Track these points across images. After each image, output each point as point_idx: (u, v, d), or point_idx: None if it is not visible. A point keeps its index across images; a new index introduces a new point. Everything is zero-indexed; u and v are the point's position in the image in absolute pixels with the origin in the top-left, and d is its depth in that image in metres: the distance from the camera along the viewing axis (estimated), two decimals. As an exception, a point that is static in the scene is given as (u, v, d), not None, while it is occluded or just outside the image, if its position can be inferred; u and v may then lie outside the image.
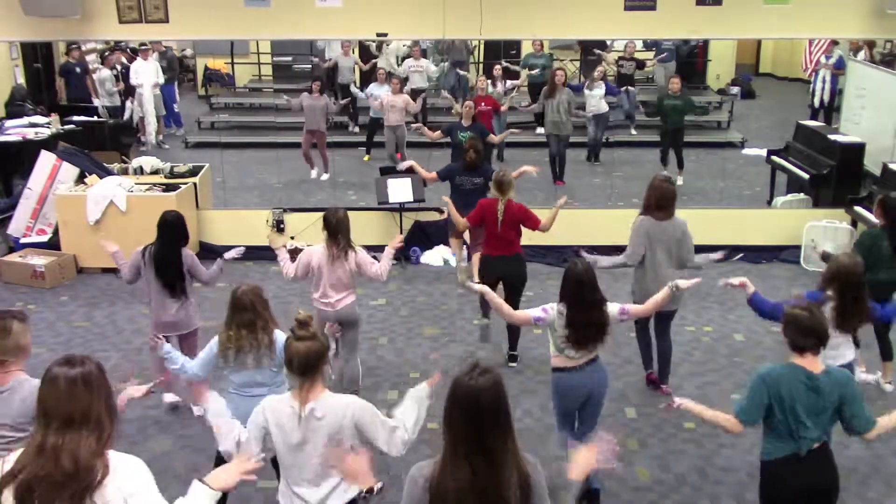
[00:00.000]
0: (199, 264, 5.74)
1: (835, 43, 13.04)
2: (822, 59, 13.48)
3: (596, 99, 12.07)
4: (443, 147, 10.14)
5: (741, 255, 8.90)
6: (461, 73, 14.08)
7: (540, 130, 13.55)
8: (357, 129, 13.79)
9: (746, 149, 13.08)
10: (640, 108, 13.47)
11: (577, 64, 15.79)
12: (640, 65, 14.06)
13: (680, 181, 11.29)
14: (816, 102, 13.24)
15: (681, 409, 3.89)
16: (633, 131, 13.74)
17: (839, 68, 12.69)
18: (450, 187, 7.98)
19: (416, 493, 2.72)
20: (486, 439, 2.64)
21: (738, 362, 6.67)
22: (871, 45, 12.24)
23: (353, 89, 12.87)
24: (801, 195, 9.62)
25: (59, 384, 2.64)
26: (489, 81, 12.28)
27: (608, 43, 14.25)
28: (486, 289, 4.77)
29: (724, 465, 5.27)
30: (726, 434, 3.87)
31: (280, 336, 4.39)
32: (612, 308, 4.68)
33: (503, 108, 11.75)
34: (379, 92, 11.97)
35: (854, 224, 8.51)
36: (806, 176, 9.46)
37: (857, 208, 8.46)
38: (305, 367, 3.28)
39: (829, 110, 12.94)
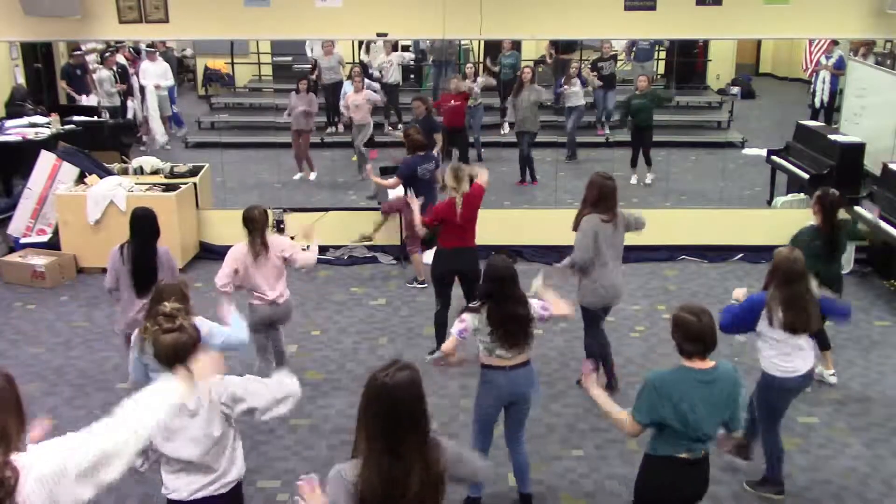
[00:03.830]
0: (174, 263, 5.72)
1: (835, 43, 13.04)
2: (823, 60, 13.48)
3: (575, 95, 12.35)
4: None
5: (741, 255, 8.92)
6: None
7: (505, 130, 13.59)
8: (334, 130, 13.72)
9: (746, 149, 13.10)
10: (612, 112, 13.51)
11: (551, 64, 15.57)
12: (615, 60, 14.16)
13: (649, 180, 11.36)
14: (817, 103, 13.24)
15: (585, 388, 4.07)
16: (607, 130, 13.61)
17: (839, 68, 12.68)
18: (407, 186, 7.88)
19: (342, 492, 2.72)
20: (399, 436, 2.65)
21: (738, 362, 6.66)
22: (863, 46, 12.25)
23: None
24: (801, 195, 9.61)
25: None
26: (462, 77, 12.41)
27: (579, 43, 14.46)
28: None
29: (725, 466, 5.26)
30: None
31: (201, 324, 4.40)
32: (535, 304, 4.62)
33: (473, 102, 11.90)
34: (351, 90, 11.71)
35: (854, 224, 8.48)
36: (806, 176, 9.45)
37: (858, 208, 8.45)
38: (174, 358, 3.33)
39: (829, 110, 12.93)
